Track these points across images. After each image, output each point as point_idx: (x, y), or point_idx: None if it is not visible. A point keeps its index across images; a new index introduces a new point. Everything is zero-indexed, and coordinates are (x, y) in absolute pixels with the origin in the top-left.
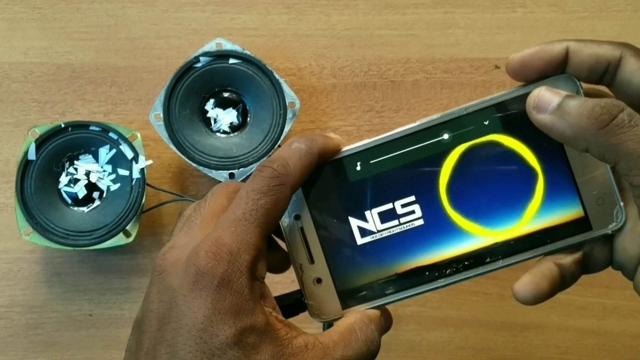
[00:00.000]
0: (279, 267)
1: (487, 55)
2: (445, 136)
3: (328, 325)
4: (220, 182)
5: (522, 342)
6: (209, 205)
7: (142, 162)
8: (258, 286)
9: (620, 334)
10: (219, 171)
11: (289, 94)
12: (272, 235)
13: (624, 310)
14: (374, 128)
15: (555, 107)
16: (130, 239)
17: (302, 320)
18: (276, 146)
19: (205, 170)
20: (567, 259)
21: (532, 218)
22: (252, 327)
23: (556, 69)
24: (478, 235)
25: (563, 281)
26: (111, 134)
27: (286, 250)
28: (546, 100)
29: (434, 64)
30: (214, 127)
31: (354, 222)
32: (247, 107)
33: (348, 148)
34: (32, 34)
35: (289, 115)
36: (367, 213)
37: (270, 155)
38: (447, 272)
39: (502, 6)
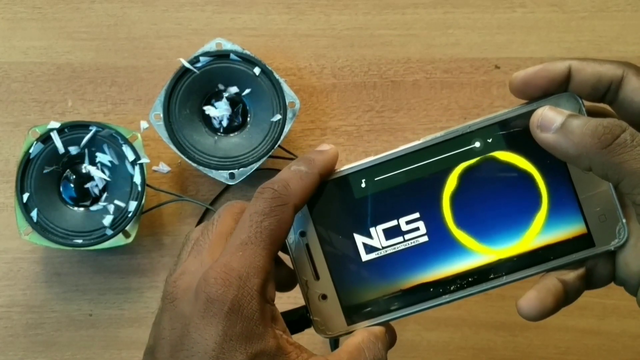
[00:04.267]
0: (285, 285)
1: (487, 55)
2: (449, 153)
3: (335, 341)
4: (220, 182)
5: (522, 342)
6: (216, 227)
7: (143, 159)
8: (269, 309)
9: (620, 334)
10: (219, 171)
11: (289, 93)
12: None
13: (624, 310)
14: (374, 128)
15: (558, 126)
16: (130, 240)
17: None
18: (276, 146)
19: (205, 170)
20: (571, 275)
21: (535, 235)
22: (263, 352)
23: (558, 87)
24: (482, 252)
25: (567, 297)
26: (111, 135)
27: (292, 267)
28: (550, 119)
29: (434, 64)
30: (215, 124)
31: (359, 239)
32: (247, 107)
33: (353, 165)
34: (32, 34)
35: (289, 115)
36: (372, 230)
37: (269, 153)
38: (452, 288)
39: (502, 6)
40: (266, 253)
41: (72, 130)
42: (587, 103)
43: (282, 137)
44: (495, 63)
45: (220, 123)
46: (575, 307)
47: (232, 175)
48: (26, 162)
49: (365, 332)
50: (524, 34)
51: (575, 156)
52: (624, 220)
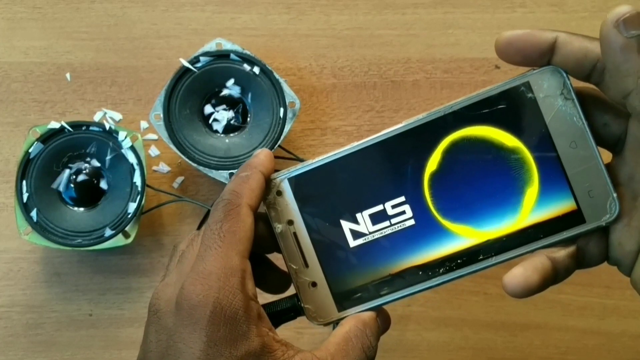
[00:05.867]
0: (278, 288)
1: (487, 55)
2: (432, 135)
3: (335, 326)
4: (220, 182)
5: (522, 342)
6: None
7: (143, 159)
8: (253, 306)
9: (621, 334)
10: (219, 171)
11: (289, 93)
12: (268, 257)
13: (624, 310)
14: (374, 128)
15: (638, 35)
16: (130, 240)
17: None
18: (276, 146)
19: (205, 170)
20: (561, 253)
21: (523, 213)
22: (249, 353)
23: (540, 57)
24: (470, 233)
25: (556, 275)
26: (112, 135)
27: (283, 266)
28: (635, 23)
29: (434, 64)
30: (214, 127)
31: (346, 225)
32: (247, 107)
33: (336, 152)
34: (32, 34)
35: (289, 115)
36: (358, 215)
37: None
38: (441, 270)
39: (502, 6)
40: (236, 253)
41: (72, 130)
42: (576, 84)
43: (282, 137)
44: (495, 63)
45: (222, 126)
46: (576, 307)
47: (232, 175)
48: (26, 162)
49: (352, 320)
50: None
51: (625, 72)
52: (614, 195)
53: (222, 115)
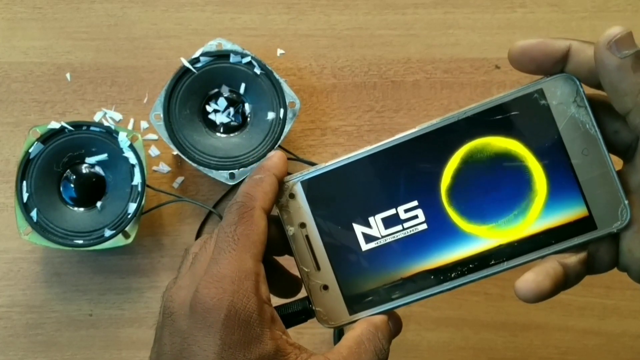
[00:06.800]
0: (288, 292)
1: (488, 55)
2: (446, 140)
3: (339, 334)
4: (220, 182)
5: (522, 342)
6: (214, 242)
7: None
8: (267, 309)
9: (621, 334)
10: (219, 171)
11: (289, 93)
12: (279, 262)
13: (624, 310)
14: (374, 128)
15: (631, 54)
16: (130, 240)
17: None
18: (276, 146)
19: (206, 170)
20: (572, 259)
21: (535, 219)
22: (263, 357)
23: (554, 65)
24: (482, 238)
25: (566, 280)
26: (112, 135)
27: (293, 270)
28: (627, 44)
29: (434, 64)
30: (213, 118)
31: (358, 229)
32: (247, 107)
33: (350, 155)
34: (32, 34)
35: (289, 115)
36: (371, 219)
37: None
38: (453, 275)
39: (503, 6)
40: (250, 256)
41: (72, 130)
42: (587, 91)
43: (282, 137)
44: (495, 63)
45: (221, 123)
46: (576, 307)
47: (232, 175)
48: (26, 162)
49: (364, 323)
50: (524, 34)
51: (622, 92)
52: (626, 202)
53: (222, 103)
